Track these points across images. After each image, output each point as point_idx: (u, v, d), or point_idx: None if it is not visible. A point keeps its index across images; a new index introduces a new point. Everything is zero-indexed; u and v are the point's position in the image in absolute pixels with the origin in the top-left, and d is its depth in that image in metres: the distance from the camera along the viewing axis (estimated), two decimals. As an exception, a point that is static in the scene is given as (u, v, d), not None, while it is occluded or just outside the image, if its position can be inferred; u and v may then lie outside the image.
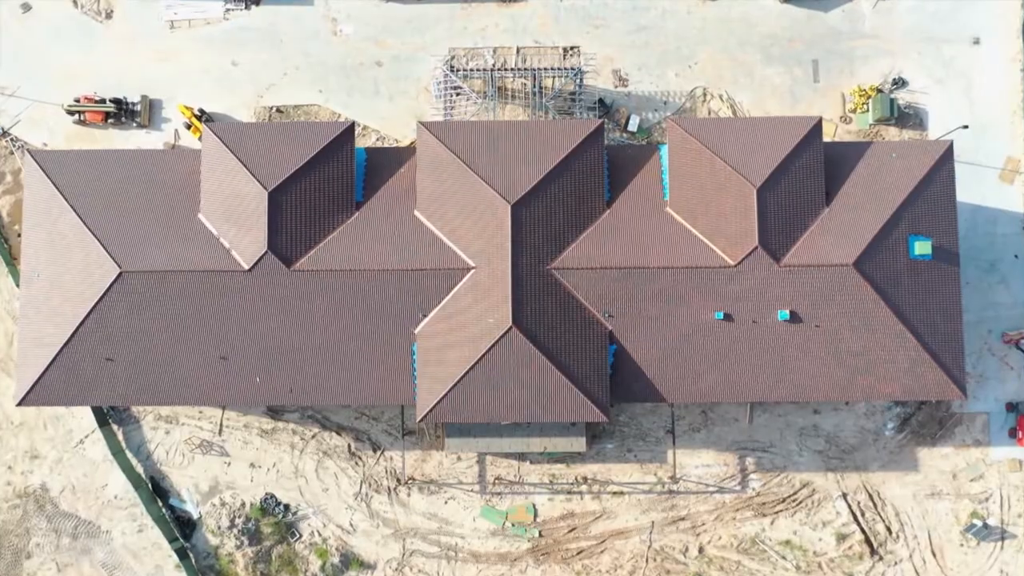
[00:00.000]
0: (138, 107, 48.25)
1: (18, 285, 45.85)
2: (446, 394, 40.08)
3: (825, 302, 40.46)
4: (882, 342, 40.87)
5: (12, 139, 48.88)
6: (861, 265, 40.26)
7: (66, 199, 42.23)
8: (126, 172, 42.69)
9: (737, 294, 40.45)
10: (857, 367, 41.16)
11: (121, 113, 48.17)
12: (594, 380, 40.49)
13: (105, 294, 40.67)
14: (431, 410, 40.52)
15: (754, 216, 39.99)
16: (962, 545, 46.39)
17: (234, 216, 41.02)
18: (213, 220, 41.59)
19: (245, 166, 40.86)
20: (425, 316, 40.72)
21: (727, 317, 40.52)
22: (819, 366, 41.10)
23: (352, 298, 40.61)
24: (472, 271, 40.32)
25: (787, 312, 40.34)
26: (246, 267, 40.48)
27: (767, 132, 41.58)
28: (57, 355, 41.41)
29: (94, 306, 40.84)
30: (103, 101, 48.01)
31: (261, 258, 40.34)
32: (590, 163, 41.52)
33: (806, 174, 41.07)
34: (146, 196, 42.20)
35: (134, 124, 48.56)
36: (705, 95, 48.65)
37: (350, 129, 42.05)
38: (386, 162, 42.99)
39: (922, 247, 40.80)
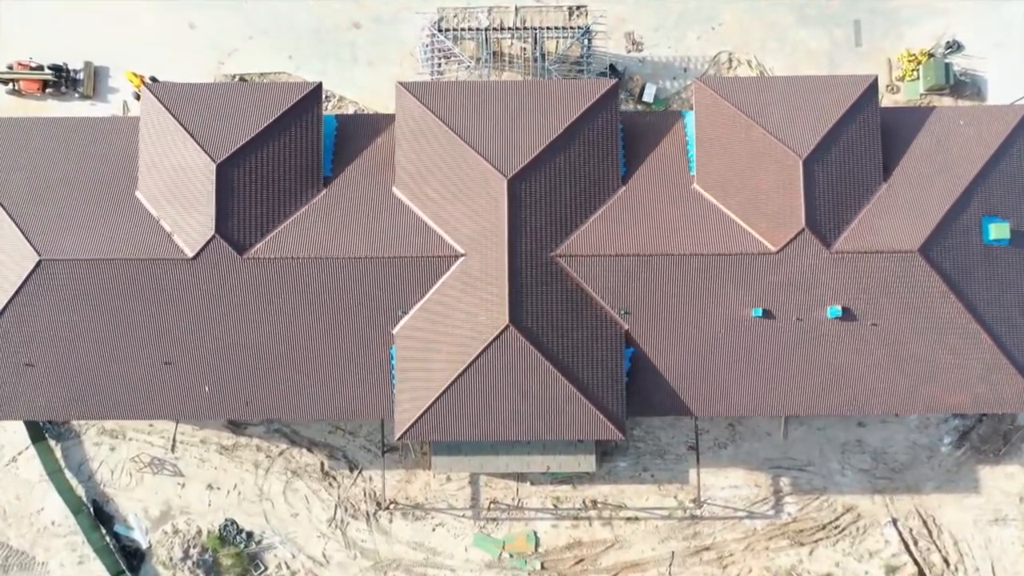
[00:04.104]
0: (81, 75, 41.40)
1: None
2: (430, 406, 33.66)
3: (884, 296, 33.80)
4: (951, 343, 34.10)
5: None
6: (928, 251, 33.50)
7: (-22, 175, 35.51)
8: (50, 143, 35.89)
9: (779, 286, 33.88)
10: (921, 373, 34.37)
11: (61, 82, 41.29)
12: (607, 390, 33.97)
13: (22, 287, 33.81)
14: (412, 426, 33.94)
15: (800, 193, 33.33)
16: (1031, 579, 39.80)
17: (177, 194, 34.34)
18: (152, 199, 34.84)
19: (190, 134, 34.21)
20: (405, 313, 34.41)
21: (767, 314, 34.08)
22: (876, 373, 34.41)
23: (318, 292, 34.21)
24: (461, 259, 33.99)
25: (839, 308, 33.83)
26: (190, 254, 33.94)
27: (813, 94, 34.78)
28: (-33, 360, 34.54)
29: (9, 301, 33.91)
30: (40, 68, 41.07)
31: (208, 243, 33.80)
32: (602, 131, 34.92)
33: (861, 143, 34.28)
34: (74, 171, 35.43)
35: (76, 94, 41.65)
36: (731, 61, 41.86)
37: (317, 90, 35.30)
38: (360, 131, 36.43)
39: (998, 231, 33.93)
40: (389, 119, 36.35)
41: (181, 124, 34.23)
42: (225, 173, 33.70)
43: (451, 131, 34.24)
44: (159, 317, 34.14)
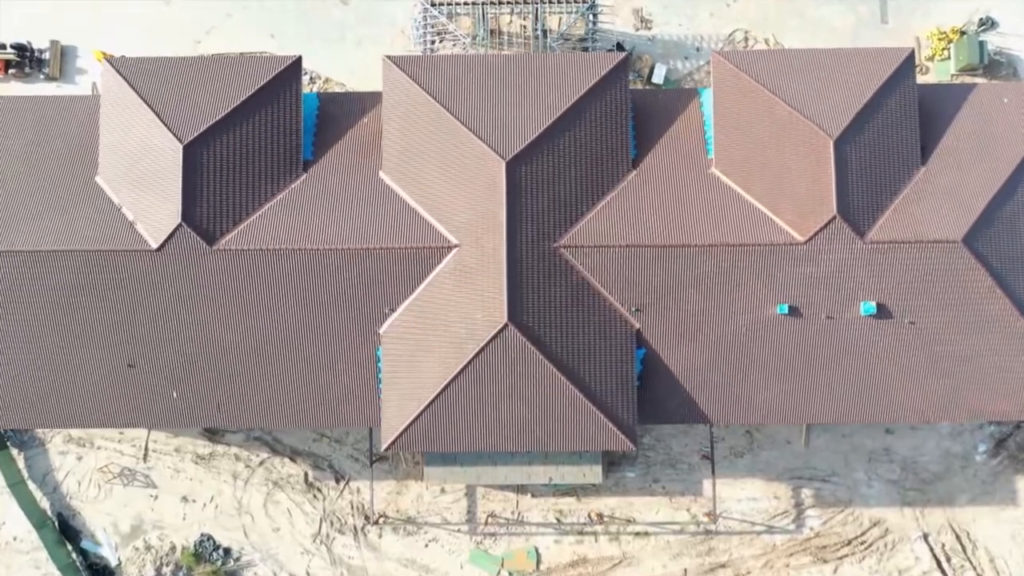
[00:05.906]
0: (47, 55, 39.13)
1: None
2: (420, 414, 31.40)
3: (923, 291, 31.74)
4: (997, 344, 32.00)
5: None
6: (972, 241, 31.35)
7: (-77, 158, 33.53)
8: (1, 123, 33.92)
9: (807, 280, 31.79)
10: (963, 378, 32.21)
11: (25, 62, 38.94)
12: (616, 395, 31.75)
13: (-31, 281, 31.93)
14: (400, 435, 31.60)
15: (830, 177, 31.33)
16: (1074, 599, 37.48)
17: (140, 178, 32.24)
18: (114, 184, 32.74)
19: (155, 112, 32.10)
20: (393, 311, 32.34)
21: (793, 311, 31.91)
22: (913, 377, 32.21)
23: (296, 287, 32.18)
24: (455, 250, 31.88)
25: (873, 304, 31.74)
26: (154, 245, 31.92)
27: (843, 68, 32.63)
28: (-90, 362, 32.35)
29: (-45, 297, 31.92)
30: (3, 47, 38.76)
31: (173, 233, 31.80)
32: (611, 109, 32.68)
33: (896, 123, 32.13)
34: (27, 154, 33.49)
35: (42, 75, 39.24)
36: (747, 39, 39.50)
37: (296, 65, 33.03)
38: (344, 110, 34.38)
39: (1049, 219, 32.00)
40: (376, 97, 34.19)
41: (145, 102, 32.16)
42: (193, 155, 31.65)
43: (444, 109, 32.09)
44: (121, 314, 32.06)
